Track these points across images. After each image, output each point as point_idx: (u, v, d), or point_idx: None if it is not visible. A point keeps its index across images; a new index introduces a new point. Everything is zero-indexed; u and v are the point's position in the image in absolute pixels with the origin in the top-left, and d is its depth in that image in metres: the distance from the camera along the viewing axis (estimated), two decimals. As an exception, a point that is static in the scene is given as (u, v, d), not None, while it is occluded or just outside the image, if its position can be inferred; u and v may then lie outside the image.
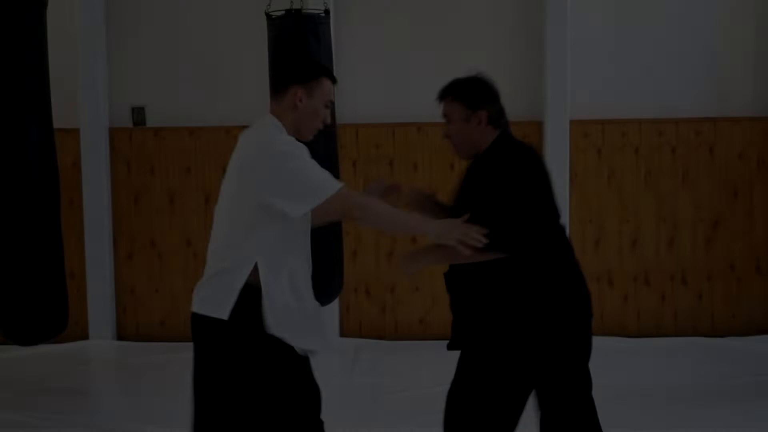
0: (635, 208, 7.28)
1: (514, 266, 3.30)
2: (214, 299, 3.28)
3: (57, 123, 5.86)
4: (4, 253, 5.50)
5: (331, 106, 3.48)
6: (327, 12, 5.89)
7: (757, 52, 7.23)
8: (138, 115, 7.38)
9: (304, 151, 3.30)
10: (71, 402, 5.83)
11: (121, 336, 7.43)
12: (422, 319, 7.33)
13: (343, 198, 3.26)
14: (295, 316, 3.33)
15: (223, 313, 3.25)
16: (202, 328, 3.34)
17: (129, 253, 7.42)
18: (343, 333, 7.34)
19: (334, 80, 3.49)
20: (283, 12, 5.79)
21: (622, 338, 7.18)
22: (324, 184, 3.24)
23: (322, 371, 6.63)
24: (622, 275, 7.32)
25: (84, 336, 7.32)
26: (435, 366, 6.44)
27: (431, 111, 7.69)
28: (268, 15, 5.87)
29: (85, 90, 7.20)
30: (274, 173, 3.22)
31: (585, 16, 7.19)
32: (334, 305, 7.10)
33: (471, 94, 3.47)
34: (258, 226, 3.26)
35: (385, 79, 7.31)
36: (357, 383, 6.12)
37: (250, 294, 3.24)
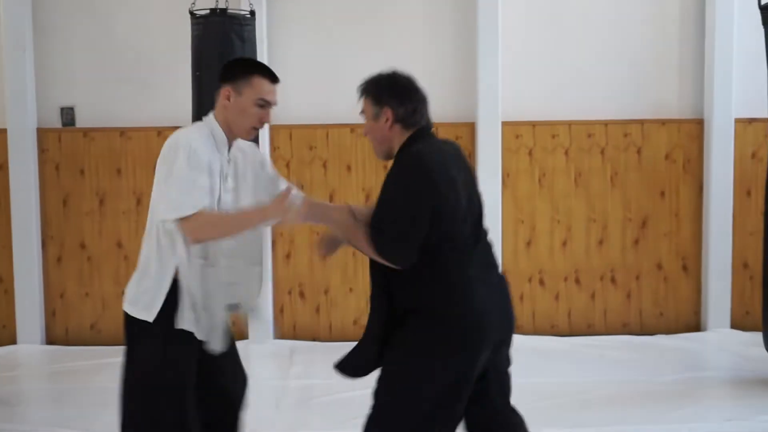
0: (566, 208, 7.36)
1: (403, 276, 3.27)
2: (142, 301, 3.39)
3: (-18, 124, 5.73)
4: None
5: (266, 105, 3.44)
6: (252, 13, 5.85)
7: (681, 56, 7.36)
8: (67, 115, 7.22)
9: (198, 162, 3.26)
10: (-2, 409, 5.69)
11: (50, 340, 7.27)
12: (356, 321, 7.31)
13: (190, 225, 3.24)
14: (202, 316, 3.41)
15: (149, 316, 3.36)
16: (130, 328, 3.45)
17: (58, 256, 7.27)
18: (278, 335, 7.28)
19: (272, 79, 3.46)
20: (207, 11, 5.72)
21: (554, 337, 7.26)
22: (184, 202, 3.23)
23: (257, 374, 6.60)
24: (554, 275, 7.40)
25: (12, 341, 7.18)
26: (369, 367, 6.46)
27: (365, 113, 7.67)
28: (192, 13, 5.79)
29: (12, 90, 7.03)
30: (161, 170, 3.30)
31: (516, 19, 7.25)
32: (268, 307, 7.05)
33: (378, 91, 3.39)
34: (170, 226, 3.31)
35: (318, 80, 7.28)
36: (291, 385, 6.08)
37: (175, 292, 3.35)
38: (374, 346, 3.40)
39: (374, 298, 3.40)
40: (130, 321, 3.43)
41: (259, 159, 3.67)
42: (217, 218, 3.30)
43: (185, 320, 3.37)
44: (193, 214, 3.22)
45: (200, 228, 3.25)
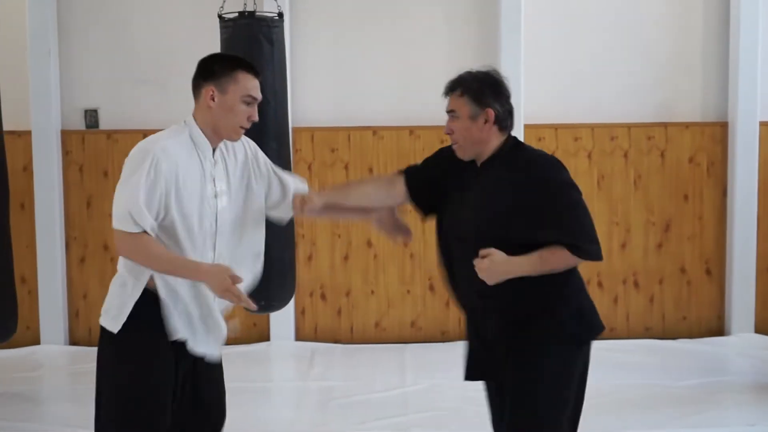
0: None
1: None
2: (111, 310, 3.25)
3: (8, 125, 5.80)
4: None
5: (252, 101, 3.27)
6: (281, 15, 5.87)
7: (705, 59, 7.33)
8: (91, 117, 7.29)
9: (156, 173, 3.11)
10: (22, 408, 5.74)
11: (73, 341, 7.33)
12: (378, 323, 7.33)
13: (119, 240, 3.16)
14: (195, 321, 3.26)
15: (115, 327, 3.21)
16: (101, 338, 3.31)
17: (81, 257, 7.33)
18: (299, 337, 7.31)
19: (254, 74, 3.29)
20: (236, 14, 5.76)
21: (576, 341, 7.23)
22: (124, 216, 3.11)
23: (278, 375, 6.64)
24: (576, 278, 7.36)
25: (35, 341, 7.23)
26: (390, 370, 6.50)
27: (386, 115, 7.77)
28: (220, 17, 5.83)
29: (36, 92, 7.09)
30: (122, 175, 3.20)
31: (539, 22, 7.24)
32: (290, 309, 7.08)
33: (481, 90, 3.29)
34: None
35: (340, 83, 7.30)
36: (311, 387, 6.10)
37: (147, 300, 3.19)
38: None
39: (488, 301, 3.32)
40: (101, 331, 3.31)
41: (251, 153, 3.46)
42: (155, 250, 3.13)
43: (178, 330, 3.22)
44: (133, 234, 3.10)
45: (133, 249, 3.14)
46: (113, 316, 3.22)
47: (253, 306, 3.21)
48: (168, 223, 3.16)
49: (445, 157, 3.50)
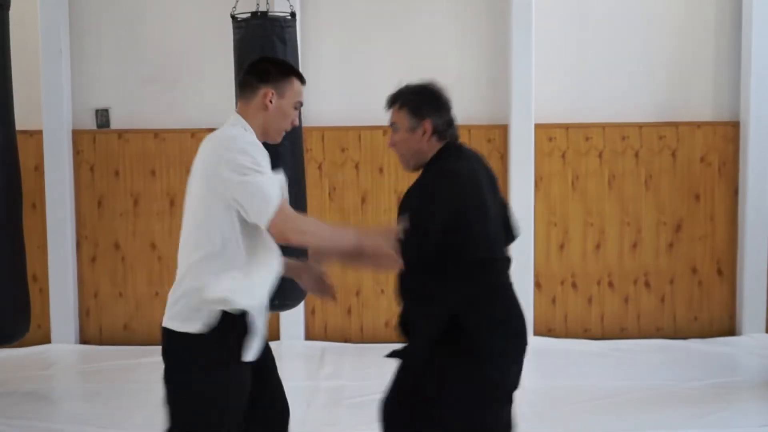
0: (599, 211, 7.34)
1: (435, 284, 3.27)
2: (191, 315, 3.14)
3: (19, 125, 5.83)
4: (-35, 257, 5.44)
5: (300, 107, 3.39)
6: (293, 15, 5.90)
7: (717, 58, 7.33)
8: (102, 117, 7.32)
9: (263, 157, 3.15)
10: (33, 406, 5.77)
11: (83, 340, 7.37)
12: (388, 322, 7.34)
13: (281, 219, 3.08)
14: (261, 326, 3.27)
15: (199, 327, 3.12)
16: (176, 344, 3.20)
17: (92, 256, 7.37)
18: (309, 336, 7.33)
19: (303, 81, 3.39)
20: (248, 14, 5.78)
21: (587, 340, 7.24)
22: (270, 202, 3.06)
23: (288, 374, 6.65)
24: (586, 278, 7.38)
25: (46, 340, 7.26)
26: (400, 369, 6.49)
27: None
28: (233, 17, 5.86)
29: (48, 92, 7.14)
30: (234, 174, 3.07)
31: (550, 21, 7.25)
32: (300, 308, 7.10)
33: (417, 103, 3.36)
34: (233, 231, 3.13)
35: (351, 82, 7.32)
36: (322, 386, 6.12)
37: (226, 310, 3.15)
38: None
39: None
40: (175, 337, 3.18)
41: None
42: (315, 225, 3.24)
43: (257, 331, 3.21)
44: (279, 212, 3.06)
45: (297, 228, 3.13)
46: (193, 318, 3.13)
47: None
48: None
49: None
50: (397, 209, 3.43)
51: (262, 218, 3.06)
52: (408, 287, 3.35)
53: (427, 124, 3.34)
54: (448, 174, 3.30)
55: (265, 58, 3.57)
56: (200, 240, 3.16)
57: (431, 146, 3.37)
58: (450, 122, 3.40)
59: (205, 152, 3.19)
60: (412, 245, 3.17)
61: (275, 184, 3.14)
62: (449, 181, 3.28)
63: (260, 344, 3.26)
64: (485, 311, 3.28)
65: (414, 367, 3.38)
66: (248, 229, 3.16)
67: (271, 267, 3.23)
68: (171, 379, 3.21)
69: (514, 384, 3.38)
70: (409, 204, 3.31)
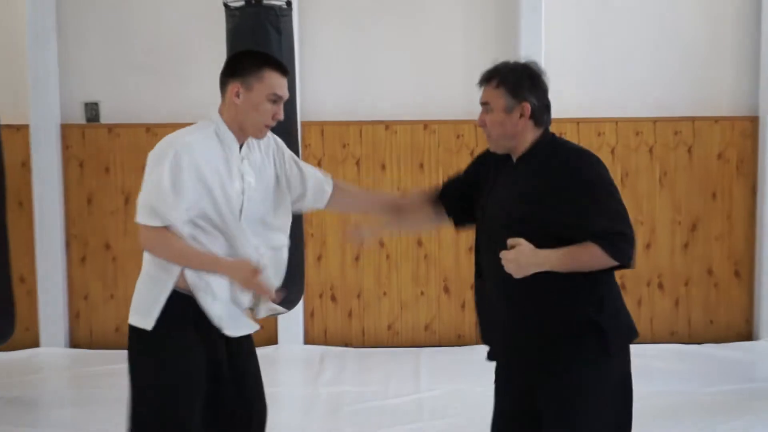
0: (611, 210, 7.31)
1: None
2: (140, 307, 3.42)
3: (5, 119, 5.84)
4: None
5: (278, 99, 3.37)
6: (289, 4, 5.88)
7: (735, 50, 7.30)
8: (91, 111, 7.31)
9: (178, 169, 3.23)
10: (20, 412, 5.78)
11: (73, 344, 7.37)
12: (390, 326, 7.34)
13: (144, 236, 3.30)
14: (231, 308, 3.41)
15: (148, 323, 3.35)
16: (130, 335, 3.46)
17: (82, 256, 7.36)
18: (308, 340, 7.32)
19: (283, 72, 3.39)
20: (242, 2, 5.77)
21: (598, 345, 7.22)
22: (147, 210, 3.25)
23: (286, 380, 6.65)
24: (598, 280, 7.35)
25: (35, 343, 7.27)
26: (403, 375, 6.50)
27: (400, 109, 7.76)
28: (226, 5, 5.84)
29: (35, 84, 7.12)
30: (146, 171, 3.30)
31: (561, 12, 7.23)
32: (298, 311, 7.09)
33: (518, 82, 3.26)
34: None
35: (352, 75, 7.31)
36: (321, 393, 6.11)
37: (179, 299, 3.32)
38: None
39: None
40: (131, 329, 3.46)
41: (278, 149, 3.62)
42: (177, 245, 3.27)
43: (218, 317, 3.37)
44: (156, 228, 3.25)
45: (156, 244, 3.30)
46: (143, 313, 3.36)
47: (275, 297, 3.37)
48: (202, 217, 3.29)
49: (481, 160, 3.55)
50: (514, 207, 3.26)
51: (138, 216, 3.30)
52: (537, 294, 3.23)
53: (526, 106, 3.25)
54: (590, 154, 3.25)
55: (240, 51, 3.59)
56: None
57: (526, 130, 3.28)
58: (547, 107, 3.33)
59: None
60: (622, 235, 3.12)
61: (166, 195, 3.21)
62: (598, 160, 3.23)
63: (226, 315, 3.41)
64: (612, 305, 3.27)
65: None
66: (199, 229, 3.33)
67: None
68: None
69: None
70: (558, 187, 3.16)
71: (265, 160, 3.52)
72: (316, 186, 3.68)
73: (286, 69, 3.41)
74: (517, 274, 3.15)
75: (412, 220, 3.83)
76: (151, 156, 3.31)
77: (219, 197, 3.30)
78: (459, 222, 3.63)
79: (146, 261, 3.42)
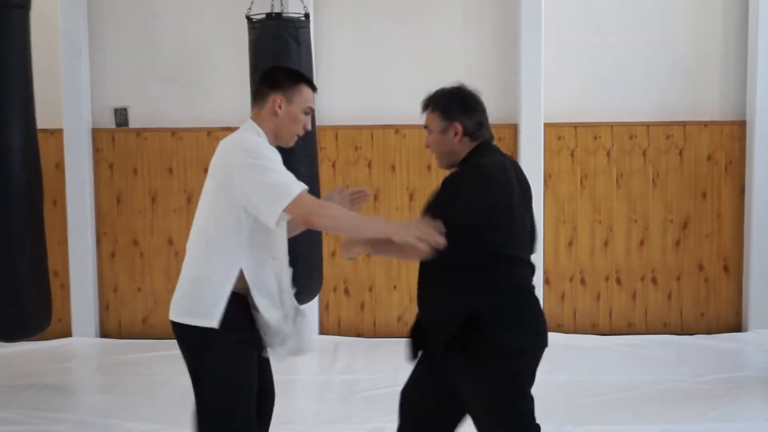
0: (607, 209, 7.32)
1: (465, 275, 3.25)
2: (200, 308, 3.28)
3: (41, 124, 5.84)
4: (-12, 252, 5.46)
5: (310, 112, 3.46)
6: (307, 16, 5.89)
7: (724, 59, 7.29)
8: (120, 116, 7.34)
9: (274, 154, 3.29)
10: (55, 398, 5.79)
11: (103, 333, 7.39)
12: (400, 317, 7.34)
13: (302, 204, 3.18)
14: (276, 321, 3.37)
15: (213, 322, 3.25)
16: (187, 337, 3.33)
17: (112, 252, 7.38)
18: (323, 331, 7.33)
19: (314, 88, 3.49)
20: (263, 15, 5.79)
21: (595, 336, 7.22)
22: (286, 188, 3.17)
23: (301, 368, 6.67)
24: (595, 275, 7.36)
25: (67, 333, 7.29)
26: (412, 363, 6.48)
27: (409, 114, 7.74)
28: (248, 18, 5.86)
29: (68, 92, 7.15)
30: (245, 173, 3.20)
31: (559, 22, 7.22)
32: (314, 303, 7.10)
33: (448, 106, 3.41)
34: (240, 228, 3.27)
35: (364, 82, 7.31)
36: (335, 380, 6.11)
37: (235, 300, 3.27)
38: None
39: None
40: (189, 330, 3.30)
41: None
42: (337, 209, 3.32)
43: (271, 319, 3.35)
44: (300, 196, 3.16)
45: (320, 208, 3.22)
46: (205, 314, 3.25)
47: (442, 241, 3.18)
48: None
49: None
50: (424, 206, 3.41)
51: (274, 210, 3.16)
52: (433, 284, 3.37)
53: (458, 126, 3.38)
54: (476, 167, 3.33)
55: (276, 67, 3.64)
56: (209, 236, 3.34)
57: (463, 146, 3.41)
58: (480, 123, 3.42)
59: (219, 154, 3.34)
60: (445, 238, 3.15)
61: (289, 176, 3.22)
62: (478, 173, 3.30)
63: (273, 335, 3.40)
64: (506, 311, 3.27)
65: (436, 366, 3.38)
66: (258, 231, 3.29)
67: (276, 275, 3.39)
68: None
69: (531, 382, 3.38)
70: (438, 199, 3.32)
71: None
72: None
73: (315, 86, 3.51)
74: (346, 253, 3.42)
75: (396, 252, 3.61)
76: (243, 152, 3.23)
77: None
78: None
79: (199, 264, 3.36)
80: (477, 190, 3.27)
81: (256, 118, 3.44)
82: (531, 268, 3.41)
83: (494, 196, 3.27)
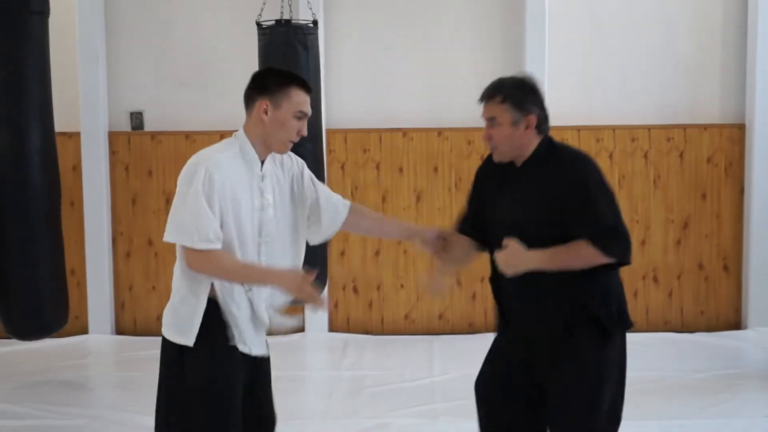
0: (609, 210, 7.30)
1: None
2: (180, 326, 3.20)
3: (58, 127, 5.88)
4: (8, 252, 5.49)
5: (303, 117, 3.22)
6: (315, 22, 5.91)
7: (723, 63, 7.28)
8: (136, 119, 7.36)
9: (214, 176, 3.06)
10: (71, 393, 5.83)
11: (119, 331, 7.41)
12: (407, 315, 7.35)
13: (193, 257, 3.07)
14: (250, 326, 3.24)
15: (189, 341, 3.16)
16: (169, 351, 3.26)
17: (127, 251, 7.41)
18: (332, 328, 7.34)
19: (308, 90, 3.24)
20: (273, 22, 5.81)
21: (597, 334, 7.21)
22: (189, 232, 3.03)
23: (312, 365, 6.69)
24: (597, 274, 7.34)
25: (84, 331, 7.31)
26: (419, 360, 6.52)
27: (416, 117, 7.78)
28: (258, 24, 5.88)
29: (85, 96, 7.18)
30: (178, 192, 3.11)
31: (563, 26, 7.22)
32: (323, 302, 7.11)
33: (521, 96, 3.21)
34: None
35: (372, 86, 7.32)
36: (344, 376, 6.13)
37: (211, 309, 3.16)
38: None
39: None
40: (169, 345, 3.24)
41: (298, 169, 3.41)
42: (227, 262, 3.09)
43: (240, 332, 3.20)
44: (204, 251, 3.04)
45: (206, 266, 3.08)
46: (183, 331, 3.18)
47: (323, 305, 3.23)
48: (224, 234, 3.11)
49: (479, 176, 3.51)
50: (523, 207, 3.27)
51: (169, 236, 3.10)
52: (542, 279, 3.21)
53: (532, 118, 3.21)
54: (586, 157, 3.25)
55: (268, 69, 3.48)
56: (180, 252, 3.20)
57: (531, 140, 3.23)
58: (547, 117, 3.28)
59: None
60: (616, 234, 3.11)
61: (203, 221, 3.03)
62: (593, 163, 3.24)
63: (253, 337, 3.26)
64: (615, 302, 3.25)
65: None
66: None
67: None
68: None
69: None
70: (571, 200, 3.13)
71: (283, 179, 3.34)
72: (330, 207, 3.46)
73: (310, 87, 3.28)
74: (508, 272, 3.15)
75: (458, 252, 3.53)
76: (183, 176, 3.11)
77: (241, 214, 3.14)
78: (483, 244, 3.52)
79: (177, 280, 3.24)
80: (604, 182, 3.21)
81: (246, 126, 3.25)
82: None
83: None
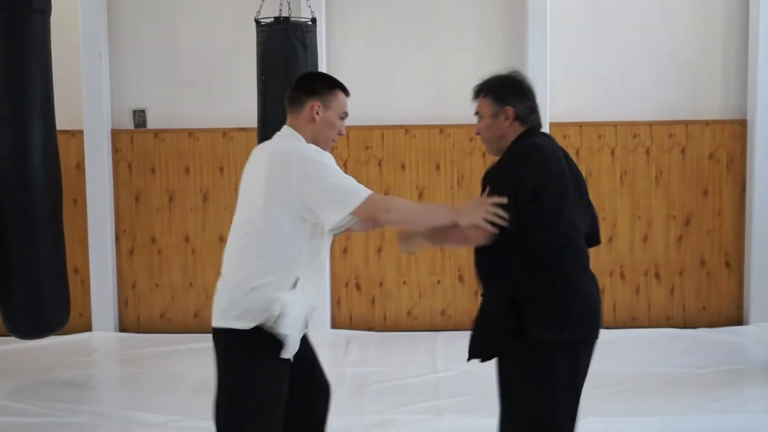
0: (611, 206, 7.29)
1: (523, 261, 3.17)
2: (254, 313, 3.18)
3: (61, 125, 5.86)
4: (11, 250, 5.48)
5: (345, 117, 3.47)
6: (314, 20, 5.90)
7: (725, 59, 7.25)
8: (139, 117, 7.35)
9: (330, 159, 3.27)
10: (75, 391, 5.82)
11: (122, 328, 7.40)
12: (410, 312, 7.33)
13: (370, 203, 3.16)
14: (299, 325, 3.30)
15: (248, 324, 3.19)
16: (240, 342, 3.23)
17: (130, 249, 7.39)
18: (335, 325, 7.33)
19: (347, 93, 3.50)
20: (272, 19, 5.79)
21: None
22: (354, 192, 3.17)
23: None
24: (599, 270, 7.27)
25: (88, 328, 7.30)
26: (421, 356, 6.51)
27: (418, 114, 7.77)
28: (257, 21, 5.87)
29: (88, 94, 7.16)
30: (307, 182, 3.16)
31: (565, 23, 7.19)
32: (326, 299, 7.11)
33: (499, 91, 3.35)
34: (296, 238, 3.20)
35: (374, 84, 7.30)
36: (348, 373, 6.11)
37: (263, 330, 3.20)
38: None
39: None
40: (224, 333, 3.23)
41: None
42: (403, 202, 3.32)
43: (293, 326, 3.23)
44: (369, 197, 3.16)
45: (388, 207, 3.22)
46: (256, 318, 3.18)
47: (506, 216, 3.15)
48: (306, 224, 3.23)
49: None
50: (480, 187, 3.33)
51: (342, 210, 3.13)
52: (491, 268, 3.29)
53: (509, 110, 3.32)
54: (530, 146, 3.26)
55: (311, 73, 3.70)
56: (259, 248, 3.20)
57: (513, 131, 3.33)
58: (531, 108, 3.36)
59: (265, 163, 3.25)
60: (502, 218, 3.12)
61: (350, 179, 3.23)
62: (532, 152, 3.23)
63: (296, 344, 3.31)
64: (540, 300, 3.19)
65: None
66: (311, 242, 3.23)
67: (318, 285, 3.36)
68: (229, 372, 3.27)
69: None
70: (492, 179, 3.24)
71: None
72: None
73: (348, 91, 3.50)
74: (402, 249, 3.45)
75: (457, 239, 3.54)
76: (298, 163, 3.18)
77: None
78: None
79: (255, 275, 3.20)
80: (532, 163, 3.18)
81: (293, 124, 3.40)
82: (579, 257, 3.24)
83: (549, 170, 3.18)
